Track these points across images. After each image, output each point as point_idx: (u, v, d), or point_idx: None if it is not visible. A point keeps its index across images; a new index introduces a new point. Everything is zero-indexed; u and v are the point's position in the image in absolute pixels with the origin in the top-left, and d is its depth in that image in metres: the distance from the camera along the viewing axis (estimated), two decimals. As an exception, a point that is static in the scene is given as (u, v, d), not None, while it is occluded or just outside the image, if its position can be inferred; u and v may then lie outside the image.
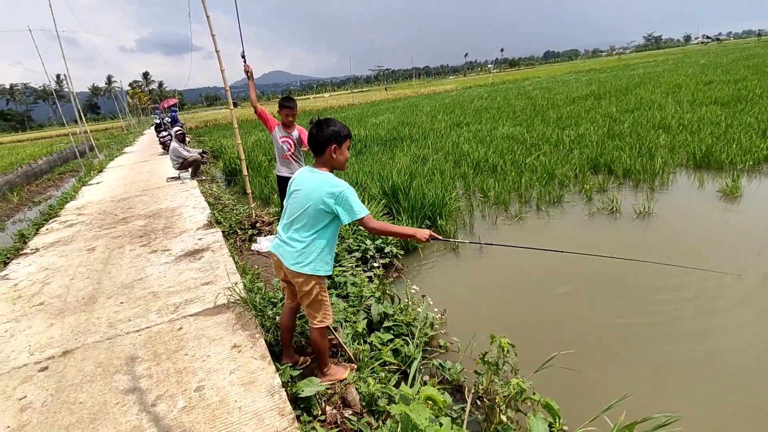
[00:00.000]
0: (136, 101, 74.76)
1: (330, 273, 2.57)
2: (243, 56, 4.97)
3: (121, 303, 3.75)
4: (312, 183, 2.40)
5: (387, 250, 5.03)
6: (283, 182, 4.93)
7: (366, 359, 2.96)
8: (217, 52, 6.67)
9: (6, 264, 5.34)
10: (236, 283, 3.72)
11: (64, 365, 2.90)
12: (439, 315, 3.71)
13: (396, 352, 3.22)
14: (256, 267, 4.46)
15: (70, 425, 2.31)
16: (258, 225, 5.63)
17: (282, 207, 4.59)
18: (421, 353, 3.09)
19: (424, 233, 2.44)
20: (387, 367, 3.03)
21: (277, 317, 3.25)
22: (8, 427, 2.37)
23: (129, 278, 4.29)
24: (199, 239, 5.16)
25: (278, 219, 5.89)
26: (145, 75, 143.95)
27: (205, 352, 2.82)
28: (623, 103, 14.48)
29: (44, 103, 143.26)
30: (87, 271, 4.64)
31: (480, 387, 2.55)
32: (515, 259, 4.99)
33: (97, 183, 10.77)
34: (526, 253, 5.11)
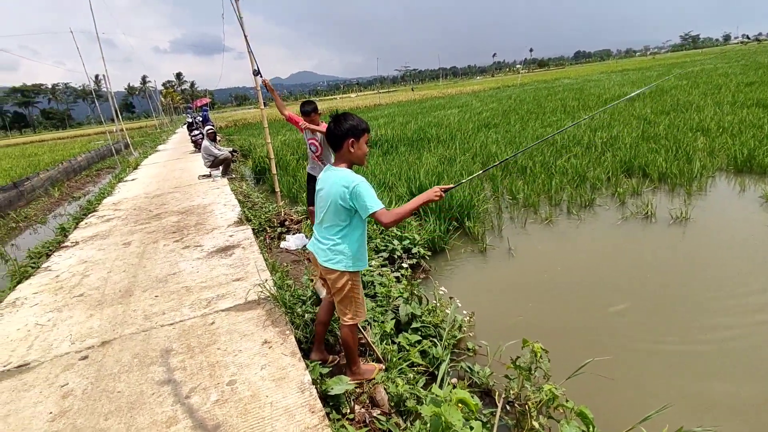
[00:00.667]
0: (168, 101, 77.07)
1: (363, 269, 2.59)
2: (258, 73, 5.04)
3: (156, 296, 3.86)
4: (330, 180, 2.43)
5: (414, 250, 5.01)
6: (310, 179, 4.97)
7: (394, 359, 2.96)
8: (249, 53, 6.81)
9: (48, 256, 5.58)
10: (266, 280, 3.77)
11: (103, 355, 3.00)
12: (468, 318, 3.68)
13: (424, 353, 3.21)
14: (285, 264, 4.51)
15: (109, 413, 2.39)
16: (287, 223, 5.71)
17: (306, 204, 4.65)
18: (449, 355, 3.07)
19: (435, 192, 2.37)
20: (415, 368, 3.03)
21: (306, 315, 3.29)
22: (51, 412, 2.47)
23: (163, 272, 4.41)
24: (230, 236, 5.26)
25: (306, 217, 5.96)
26: (178, 75, 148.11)
27: (236, 347, 2.87)
28: (658, 104, 14.02)
29: (83, 102, 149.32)
30: (123, 265, 4.80)
31: (511, 392, 2.51)
32: (545, 264, 4.89)
33: (132, 180, 11.13)
34: (557, 257, 5.02)
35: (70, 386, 2.69)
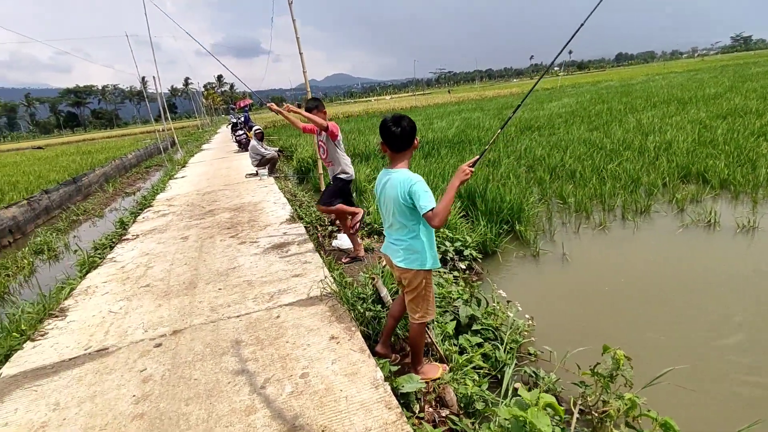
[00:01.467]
0: (209, 102, 79.66)
1: (437, 267, 2.59)
2: (264, 103, 5.17)
3: (219, 289, 3.98)
4: (391, 183, 2.43)
5: (466, 252, 4.97)
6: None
7: (459, 360, 2.94)
8: (300, 54, 6.96)
9: (112, 248, 5.85)
10: (326, 277, 3.84)
11: (175, 343, 3.12)
12: (528, 322, 3.61)
13: (485, 356, 3.18)
14: (340, 263, 4.57)
15: (189, 399, 2.49)
16: (337, 222, 5.76)
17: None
18: (514, 360, 3.03)
19: (464, 171, 2.27)
20: (478, 371, 3.00)
21: (368, 313, 3.31)
22: (134, 395, 2.59)
23: (223, 267, 4.55)
24: (284, 233, 5.37)
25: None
26: (219, 78, 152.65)
27: (304, 341, 2.93)
28: (713, 108, 13.40)
29: (130, 103, 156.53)
30: (184, 258, 4.98)
31: (587, 399, 2.44)
32: (603, 271, 4.76)
33: (182, 177, 11.55)
34: (615, 264, 4.87)
35: (148, 372, 2.81)
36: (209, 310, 3.58)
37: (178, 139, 23.64)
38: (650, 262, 4.84)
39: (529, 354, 3.37)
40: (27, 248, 7.26)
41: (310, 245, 4.84)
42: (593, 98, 22.82)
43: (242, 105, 22.41)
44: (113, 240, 6.22)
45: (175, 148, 23.13)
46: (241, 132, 16.08)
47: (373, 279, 3.51)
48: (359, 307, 3.34)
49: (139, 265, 4.96)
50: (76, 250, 6.01)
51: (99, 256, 5.53)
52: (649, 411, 2.22)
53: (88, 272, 4.98)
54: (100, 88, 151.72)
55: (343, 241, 5.21)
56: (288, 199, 7.38)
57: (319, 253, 4.58)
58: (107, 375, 2.83)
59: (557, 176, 8.24)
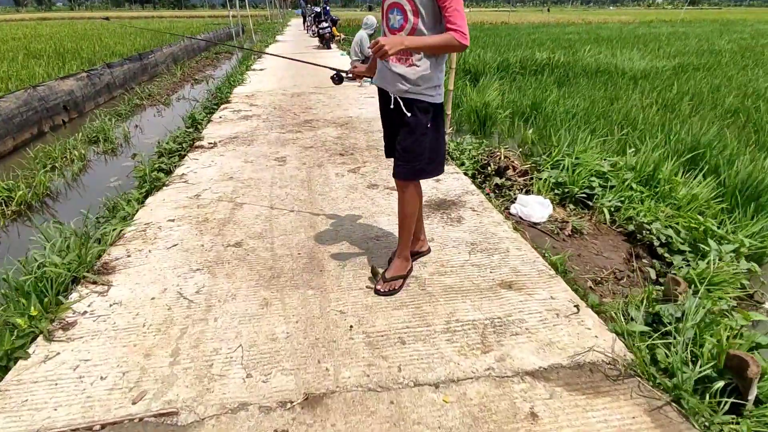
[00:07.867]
0: (280, -9, 74.74)
1: None
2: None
3: (368, 287, 2.21)
4: None
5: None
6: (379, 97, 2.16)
7: None
8: None
9: (182, 157, 4.21)
10: (590, 306, 1.96)
11: (319, 444, 1.42)
12: None
13: None
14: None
15: None
16: (509, 173, 3.76)
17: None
18: None
19: None
20: None
21: (715, 426, 1.46)
22: None
23: (356, 227, 2.77)
24: (436, 180, 3.48)
25: (533, 166, 3.98)
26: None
27: None
28: None
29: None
30: (288, 197, 3.24)
31: None
32: None
33: (261, 69, 9.64)
34: None
35: None
36: (366, 347, 1.83)
37: (251, 27, 21.35)
38: None
39: None
40: (80, 134, 5.77)
41: (496, 214, 2.94)
42: (758, 34, 18.27)
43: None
44: (183, 144, 4.57)
45: (246, 35, 21.04)
46: (326, 25, 13.66)
47: (750, 366, 1.57)
48: (700, 408, 1.49)
49: (222, 196, 3.27)
50: (134, 155, 4.40)
51: (165, 166, 3.89)
52: None
53: (148, 195, 3.38)
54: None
55: (530, 208, 3.25)
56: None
57: (521, 234, 2.68)
58: None
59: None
